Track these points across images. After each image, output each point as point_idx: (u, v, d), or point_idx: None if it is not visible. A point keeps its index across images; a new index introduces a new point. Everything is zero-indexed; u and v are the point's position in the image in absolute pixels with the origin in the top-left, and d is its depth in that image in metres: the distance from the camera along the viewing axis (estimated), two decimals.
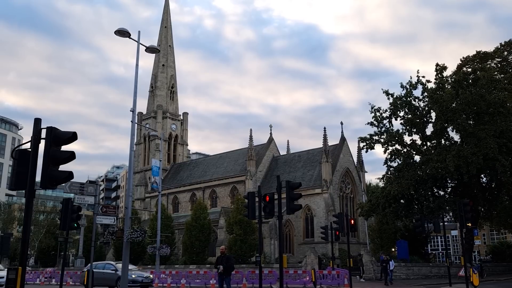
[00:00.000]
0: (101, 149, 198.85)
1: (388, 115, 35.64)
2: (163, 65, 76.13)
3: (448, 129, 34.06)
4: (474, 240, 37.66)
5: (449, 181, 35.54)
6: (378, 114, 35.86)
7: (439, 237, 62.16)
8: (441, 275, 33.12)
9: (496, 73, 35.76)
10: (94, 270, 25.30)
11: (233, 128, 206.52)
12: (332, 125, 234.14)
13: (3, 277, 8.43)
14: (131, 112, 18.02)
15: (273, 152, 61.65)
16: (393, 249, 42.06)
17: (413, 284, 28.24)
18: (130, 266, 28.04)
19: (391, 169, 36.06)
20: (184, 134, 75.70)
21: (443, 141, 34.58)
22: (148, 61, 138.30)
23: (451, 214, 36.37)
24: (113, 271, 26.46)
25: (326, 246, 42.33)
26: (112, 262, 29.11)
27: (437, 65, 35.09)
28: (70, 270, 42.81)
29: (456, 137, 34.55)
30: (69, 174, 8.46)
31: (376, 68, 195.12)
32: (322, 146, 52.28)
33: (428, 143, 35.55)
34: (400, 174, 34.15)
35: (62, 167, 8.59)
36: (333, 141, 54.95)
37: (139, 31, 17.99)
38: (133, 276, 26.01)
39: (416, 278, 32.40)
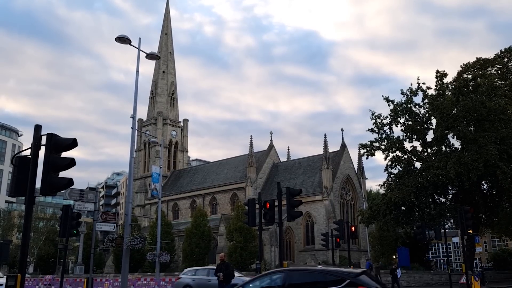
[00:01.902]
0: (101, 156, 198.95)
1: (388, 122, 35.63)
2: (163, 71, 76.30)
3: (449, 136, 34.04)
4: (475, 247, 37.40)
5: (450, 188, 35.46)
6: (378, 120, 35.85)
7: (440, 244, 61.99)
8: (442, 283, 32.95)
9: (496, 79, 35.79)
10: (195, 277, 23.51)
11: (233, 134, 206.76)
12: (333, 132, 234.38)
13: (2, 285, 8.33)
14: (131, 119, 17.97)
15: (273, 158, 61.63)
16: (394, 256, 41.90)
17: None
18: (239, 274, 24.07)
19: (391, 176, 35.99)
20: (184, 141, 75.71)
21: (443, 148, 34.54)
22: (148, 68, 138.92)
23: (452, 221, 36.25)
24: None
25: (327, 253, 42.19)
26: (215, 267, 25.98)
27: (437, 71, 35.13)
28: (70, 277, 42.65)
29: (457, 144, 34.54)
30: (69, 181, 8.44)
31: (376, 74, 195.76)
32: (322, 152, 52.29)
33: (429, 150, 35.51)
34: (400, 181, 34.08)
35: (62, 174, 8.56)
36: (333, 147, 55.01)
37: (139, 38, 18.00)
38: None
39: (418, 285, 32.23)
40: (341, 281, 9.00)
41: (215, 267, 25.19)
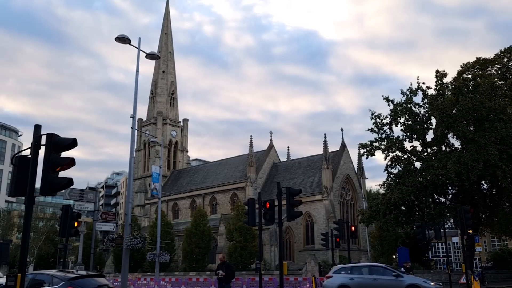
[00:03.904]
0: (100, 156, 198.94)
1: (388, 122, 35.60)
2: (163, 71, 76.30)
3: (449, 136, 34.01)
4: (475, 247, 37.42)
5: (450, 188, 35.42)
6: (378, 120, 35.82)
7: (440, 244, 61.97)
8: (442, 282, 32.92)
9: (496, 79, 35.73)
10: (354, 276, 19.93)
11: (233, 134, 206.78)
12: (332, 132, 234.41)
13: (2, 284, 8.35)
14: (131, 119, 17.96)
15: (273, 158, 61.64)
16: (393, 256, 41.89)
17: None
18: (411, 275, 21.25)
19: (391, 175, 35.97)
20: (184, 141, 75.71)
21: (443, 148, 34.51)
22: (147, 68, 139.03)
23: (452, 221, 36.22)
24: (394, 277, 19.30)
25: (327, 253, 42.18)
26: (381, 265, 22.18)
27: (437, 71, 35.10)
28: None
29: (457, 144, 34.50)
30: (69, 181, 8.43)
31: (376, 74, 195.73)
32: (322, 152, 52.31)
33: (429, 150, 35.48)
34: (400, 181, 34.06)
35: (62, 174, 8.56)
36: (333, 147, 55.04)
37: (139, 38, 17.99)
38: (432, 284, 19.40)
39: None
40: (60, 282, 11.50)
41: (377, 264, 22.90)
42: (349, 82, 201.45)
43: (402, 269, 27.73)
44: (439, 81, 34.88)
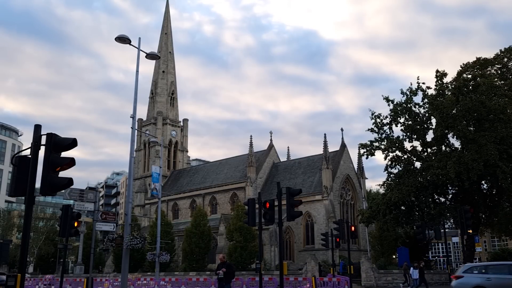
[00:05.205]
0: (100, 156, 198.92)
1: (388, 122, 35.62)
2: (163, 71, 76.31)
3: (449, 136, 34.03)
4: (475, 247, 37.40)
5: (450, 188, 35.43)
6: (378, 120, 35.85)
7: (440, 244, 62.01)
8: (442, 282, 32.94)
9: (496, 79, 35.75)
10: (491, 276, 18.11)
11: (233, 134, 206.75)
12: (332, 131, 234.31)
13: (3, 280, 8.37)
14: (131, 119, 17.94)
15: (273, 158, 61.66)
16: (394, 256, 41.92)
17: None
18: None
19: (391, 175, 35.99)
20: (184, 141, 75.72)
21: (443, 148, 34.53)
22: (147, 67, 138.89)
23: (452, 221, 36.25)
24: None
25: (327, 253, 42.20)
26: None
27: (437, 71, 35.12)
28: (70, 277, 42.66)
29: (457, 144, 34.52)
30: (69, 181, 8.43)
31: (376, 74, 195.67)
32: (322, 152, 52.33)
33: (429, 150, 35.50)
34: (400, 181, 34.08)
35: (62, 174, 8.56)
36: (333, 147, 55.06)
37: (139, 38, 17.96)
38: None
39: None
40: None
41: None
42: (349, 82, 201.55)
43: (412, 269, 27.66)
44: (439, 81, 34.89)
